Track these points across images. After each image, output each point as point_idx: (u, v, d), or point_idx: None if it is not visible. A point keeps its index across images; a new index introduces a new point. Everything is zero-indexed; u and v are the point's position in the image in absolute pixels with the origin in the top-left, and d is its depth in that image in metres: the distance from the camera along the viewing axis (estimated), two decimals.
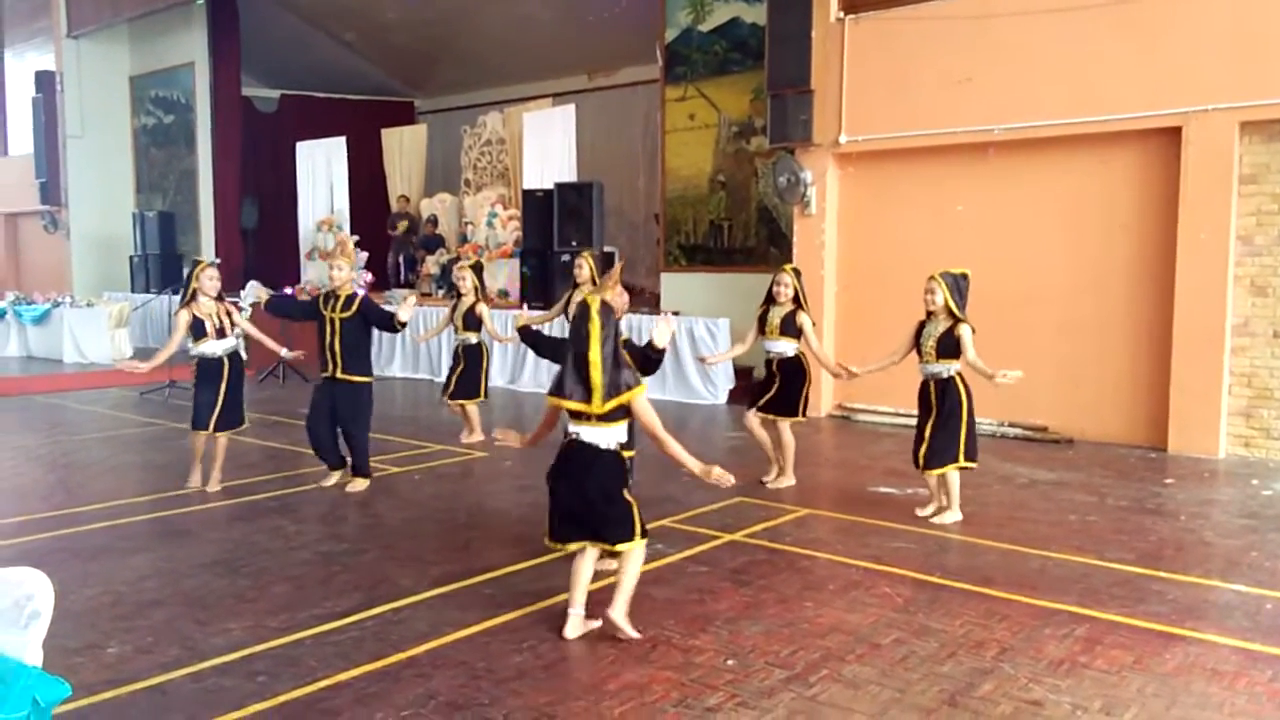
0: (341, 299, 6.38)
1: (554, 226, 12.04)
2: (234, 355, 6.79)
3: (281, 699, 3.47)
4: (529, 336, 5.43)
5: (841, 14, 9.48)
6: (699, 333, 10.48)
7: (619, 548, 4.00)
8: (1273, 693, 3.56)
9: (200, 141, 17.77)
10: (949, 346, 5.73)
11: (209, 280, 6.57)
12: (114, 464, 7.68)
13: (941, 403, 5.80)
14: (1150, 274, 8.11)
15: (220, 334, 6.62)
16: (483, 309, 8.18)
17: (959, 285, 5.78)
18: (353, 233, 15.56)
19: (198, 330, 6.55)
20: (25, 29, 20.35)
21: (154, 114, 18.84)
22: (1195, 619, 4.27)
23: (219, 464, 6.75)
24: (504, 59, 16.51)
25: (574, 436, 3.99)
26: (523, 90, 16.33)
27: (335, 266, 6.41)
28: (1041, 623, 4.20)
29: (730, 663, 3.79)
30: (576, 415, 3.95)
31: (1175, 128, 7.84)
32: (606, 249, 12.24)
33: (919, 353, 5.88)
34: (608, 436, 3.95)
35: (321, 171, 16.24)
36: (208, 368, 6.63)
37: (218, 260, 7.61)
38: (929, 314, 5.84)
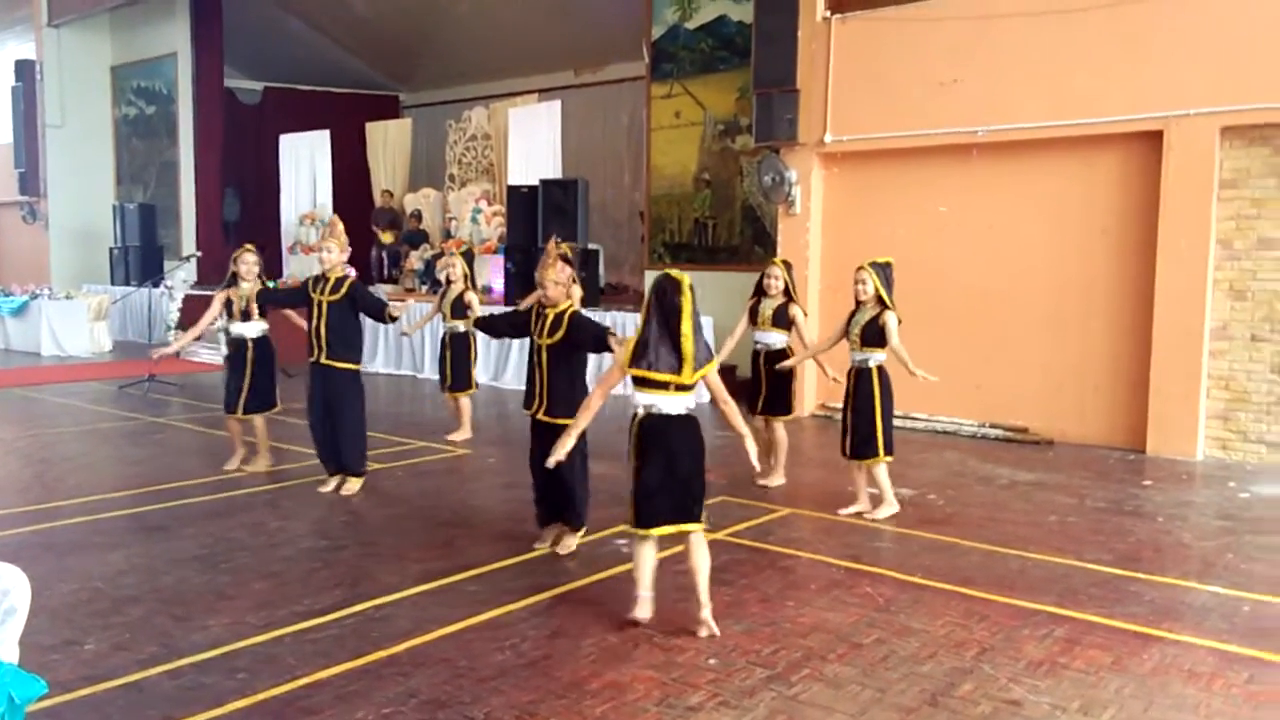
0: (330, 281, 6.20)
1: (538, 223, 12.01)
2: (260, 339, 6.87)
3: (261, 696, 3.45)
4: (484, 324, 5.57)
5: (828, 13, 9.50)
6: None
7: (692, 527, 4.09)
8: (1248, 694, 3.59)
9: (182, 133, 17.64)
10: (873, 334, 5.82)
11: (244, 265, 6.79)
12: (92, 458, 7.61)
13: (856, 392, 5.90)
14: (1131, 277, 8.18)
15: (245, 316, 6.79)
16: (471, 297, 8.17)
17: (887, 274, 5.88)
18: None
19: (228, 311, 6.83)
20: (5, 17, 20.11)
21: (135, 104, 18.68)
22: (1172, 620, 4.31)
23: (263, 445, 6.98)
24: (489, 54, 16.46)
25: (649, 409, 4.04)
26: (508, 85, 16.29)
27: (325, 249, 6.24)
28: (1021, 623, 4.23)
29: (712, 662, 3.79)
30: (653, 385, 4.00)
31: (1157, 132, 7.90)
32: (591, 246, 12.22)
33: (849, 341, 5.98)
34: (686, 403, 4.07)
35: (305, 165, 16.14)
36: (234, 349, 6.90)
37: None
38: (859, 303, 5.93)
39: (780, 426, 6.68)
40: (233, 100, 18.18)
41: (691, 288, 3.98)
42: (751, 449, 4.13)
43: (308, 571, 4.83)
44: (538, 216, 12.02)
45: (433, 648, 3.89)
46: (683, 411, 4.07)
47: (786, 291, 6.58)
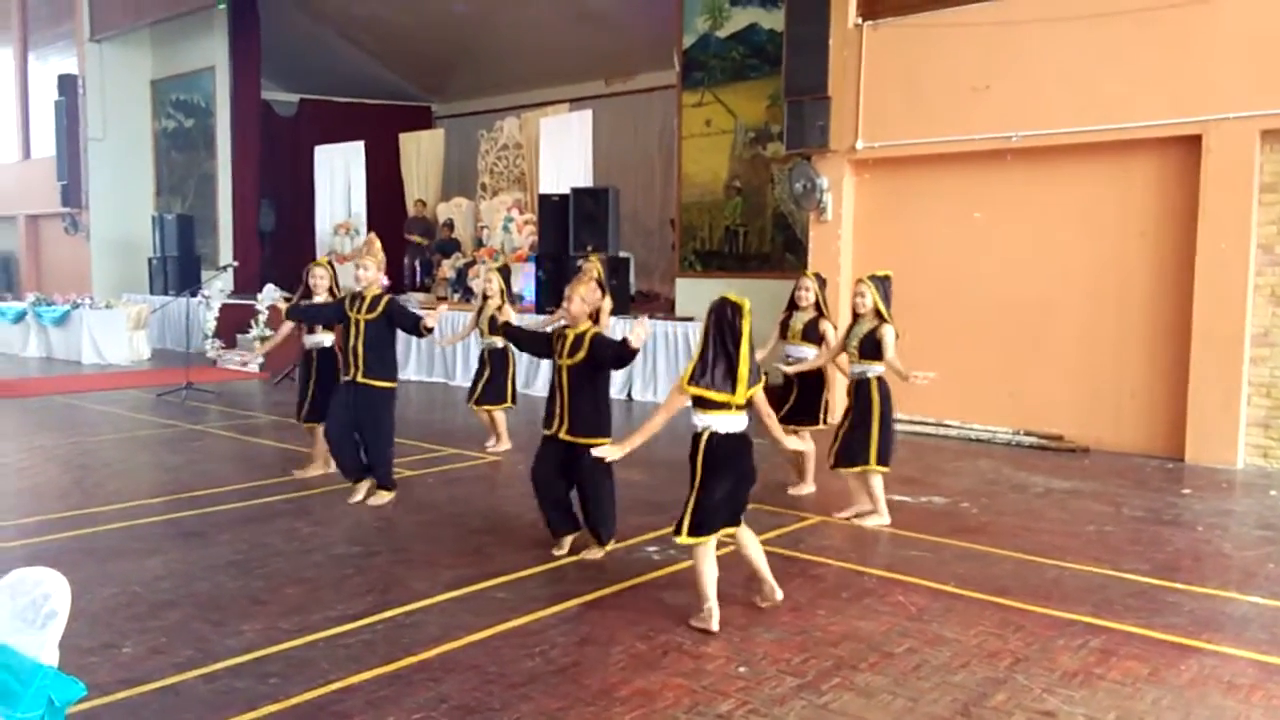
0: (367, 300, 6.18)
1: (570, 231, 12.07)
2: (323, 350, 6.98)
3: (293, 701, 3.49)
4: (512, 332, 5.66)
5: (859, 20, 9.47)
6: None
7: (738, 530, 4.39)
8: None
9: (220, 145, 17.91)
10: (871, 347, 5.83)
11: (314, 278, 6.94)
12: (130, 465, 7.74)
13: (856, 403, 5.90)
14: (1169, 282, 8.06)
15: (310, 329, 6.93)
16: (508, 311, 8.17)
17: (885, 288, 5.89)
18: None
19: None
20: (49, 32, 20.58)
21: (174, 117, 19.01)
22: (1212, 631, 4.23)
23: (320, 454, 7.08)
24: (521, 65, 16.57)
25: (707, 428, 4.21)
26: (540, 95, 16.39)
27: (361, 266, 6.22)
28: (1056, 633, 4.18)
29: (742, 670, 3.78)
30: (711, 406, 4.17)
31: (1195, 136, 7.79)
32: (621, 254, 12.25)
33: (847, 353, 6.01)
34: (742, 421, 4.25)
35: (339, 175, 16.35)
36: (304, 361, 7.09)
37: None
38: (857, 316, 5.95)
39: (808, 436, 6.64)
40: (269, 112, 18.43)
41: (750, 311, 4.15)
42: (794, 444, 4.77)
43: (340, 577, 4.87)
44: (569, 225, 12.08)
45: (463, 654, 3.91)
46: (741, 430, 4.22)
47: (818, 305, 6.55)
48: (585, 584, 4.76)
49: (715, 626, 4.14)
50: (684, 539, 4.24)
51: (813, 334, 6.52)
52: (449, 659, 3.86)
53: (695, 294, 11.97)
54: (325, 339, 6.99)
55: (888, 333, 5.77)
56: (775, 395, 6.79)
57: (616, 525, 5.24)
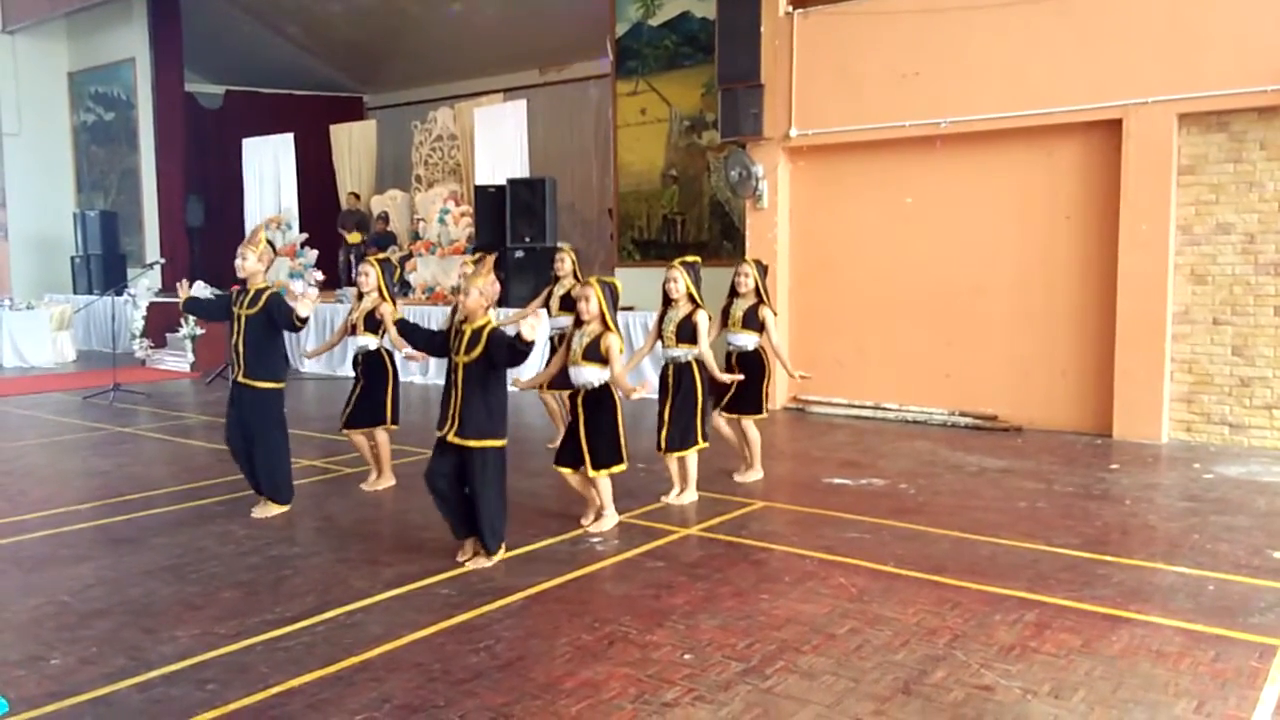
0: (250, 293, 5.84)
1: (507, 223, 11.97)
2: (370, 353, 6.58)
3: (232, 707, 3.41)
4: (403, 328, 5.43)
5: (790, 8, 9.53)
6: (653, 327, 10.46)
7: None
8: (1215, 672, 3.65)
9: (143, 139, 17.40)
10: (687, 332, 5.98)
11: (360, 277, 6.60)
12: (56, 470, 7.50)
13: (678, 386, 6.01)
14: (1094, 264, 8.28)
15: (353, 330, 6.63)
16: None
17: (696, 273, 6.08)
18: (302, 230, 15.34)
19: (354, 325, 6.65)
20: None
21: (94, 111, 18.41)
22: (1140, 601, 4.36)
23: (384, 464, 6.69)
24: (453, 54, 16.37)
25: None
26: (474, 85, 16.22)
27: (241, 256, 5.80)
28: (992, 609, 4.27)
29: (687, 657, 3.80)
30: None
31: (1116, 120, 7.99)
32: (558, 245, 12.18)
33: (661, 338, 6.12)
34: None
35: (269, 168, 15.98)
36: (353, 364, 6.79)
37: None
38: (671, 301, 6.08)
39: (752, 424, 6.68)
40: (194, 104, 17.96)
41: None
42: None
43: (278, 579, 4.78)
44: (506, 216, 11.97)
45: (406, 652, 3.87)
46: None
47: (757, 291, 6.58)
48: (530, 577, 4.74)
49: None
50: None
51: (753, 321, 6.55)
52: (392, 658, 3.82)
53: (634, 283, 11.93)
54: (370, 341, 6.53)
55: (702, 318, 5.96)
56: (717, 385, 6.85)
57: (506, 535, 5.03)
